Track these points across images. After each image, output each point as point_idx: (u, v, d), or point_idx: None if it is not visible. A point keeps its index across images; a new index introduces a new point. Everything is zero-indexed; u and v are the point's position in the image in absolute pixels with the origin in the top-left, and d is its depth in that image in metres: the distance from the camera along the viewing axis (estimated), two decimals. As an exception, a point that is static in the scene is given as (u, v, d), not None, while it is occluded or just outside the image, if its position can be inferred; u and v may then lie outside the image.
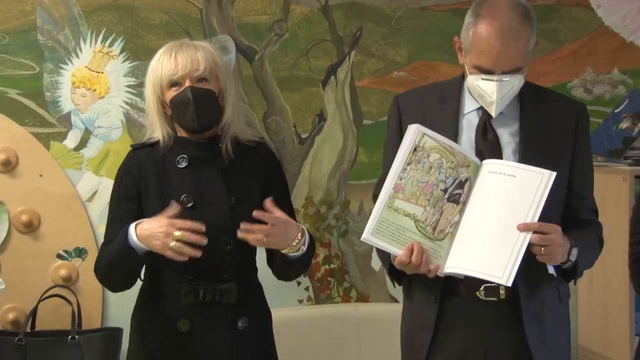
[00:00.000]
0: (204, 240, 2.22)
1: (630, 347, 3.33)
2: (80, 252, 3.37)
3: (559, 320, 2.35)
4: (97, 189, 3.42)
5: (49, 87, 3.38)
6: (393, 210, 2.18)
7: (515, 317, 2.26)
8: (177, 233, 2.19)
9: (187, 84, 2.35)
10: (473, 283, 2.23)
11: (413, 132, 2.22)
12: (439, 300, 2.28)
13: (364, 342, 3.47)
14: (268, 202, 2.28)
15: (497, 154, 2.27)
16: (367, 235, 2.17)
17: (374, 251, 3.55)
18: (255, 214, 2.23)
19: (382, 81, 3.67)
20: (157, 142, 2.42)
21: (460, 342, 2.29)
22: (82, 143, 3.41)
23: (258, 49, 3.56)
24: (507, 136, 2.30)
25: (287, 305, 3.46)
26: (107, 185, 3.26)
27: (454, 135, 2.29)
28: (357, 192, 3.65)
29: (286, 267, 2.40)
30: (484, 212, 2.19)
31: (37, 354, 3.09)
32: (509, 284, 2.12)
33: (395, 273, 2.30)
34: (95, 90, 3.41)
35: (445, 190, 2.21)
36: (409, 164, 2.20)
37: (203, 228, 2.22)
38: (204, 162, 2.40)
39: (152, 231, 2.22)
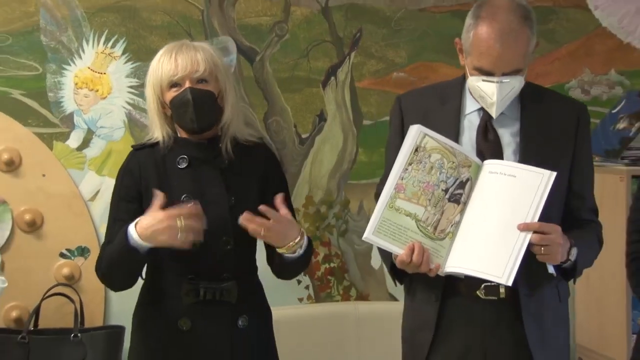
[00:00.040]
0: (204, 224, 2.24)
1: (627, 345, 3.34)
2: (83, 251, 3.38)
3: (558, 319, 2.35)
4: (99, 188, 3.42)
5: (51, 87, 3.38)
6: (394, 210, 2.18)
7: (515, 317, 2.26)
8: (180, 223, 2.21)
9: (187, 85, 2.35)
10: (473, 282, 2.24)
11: (414, 132, 2.22)
12: (440, 300, 2.29)
13: (363, 340, 3.47)
14: (278, 199, 2.30)
15: (498, 154, 2.27)
16: (368, 235, 2.18)
17: (374, 250, 3.59)
18: (262, 208, 2.24)
19: (382, 82, 3.67)
20: (158, 143, 2.42)
21: (460, 342, 2.29)
22: (85, 143, 3.42)
23: (259, 50, 3.56)
24: (508, 136, 2.30)
25: (287, 303, 3.46)
26: (109, 185, 3.24)
27: (455, 135, 2.29)
28: (357, 191, 3.65)
29: (284, 267, 2.41)
30: (485, 212, 2.19)
31: (40, 351, 3.09)
32: (509, 284, 2.12)
33: (397, 272, 2.30)
34: (97, 90, 3.41)
35: (446, 191, 2.21)
36: (410, 164, 2.20)
37: (200, 210, 2.24)
38: (204, 162, 2.40)
39: (154, 227, 2.22)
